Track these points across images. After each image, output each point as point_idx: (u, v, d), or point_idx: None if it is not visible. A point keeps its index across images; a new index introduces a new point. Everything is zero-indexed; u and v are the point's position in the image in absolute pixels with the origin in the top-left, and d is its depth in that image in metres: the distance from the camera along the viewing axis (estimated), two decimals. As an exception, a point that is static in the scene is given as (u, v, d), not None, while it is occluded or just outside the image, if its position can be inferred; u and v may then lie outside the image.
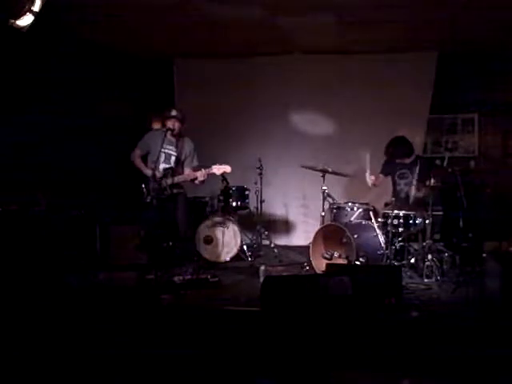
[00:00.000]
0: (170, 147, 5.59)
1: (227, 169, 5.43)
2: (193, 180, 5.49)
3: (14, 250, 4.73)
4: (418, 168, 5.46)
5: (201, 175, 5.38)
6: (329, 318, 3.42)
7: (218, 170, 5.41)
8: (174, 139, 5.61)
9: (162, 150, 5.42)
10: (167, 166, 5.56)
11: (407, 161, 5.75)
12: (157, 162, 5.35)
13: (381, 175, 5.97)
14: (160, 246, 5.54)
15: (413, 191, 5.54)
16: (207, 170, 5.42)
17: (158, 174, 5.41)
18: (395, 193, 5.81)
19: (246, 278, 5.28)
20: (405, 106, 6.93)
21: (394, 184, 5.86)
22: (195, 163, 5.66)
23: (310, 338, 3.31)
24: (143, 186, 5.47)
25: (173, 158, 5.59)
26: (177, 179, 5.46)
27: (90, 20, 5.75)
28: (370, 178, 5.77)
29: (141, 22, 5.87)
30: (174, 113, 5.54)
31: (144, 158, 5.70)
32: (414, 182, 5.49)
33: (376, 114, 7.00)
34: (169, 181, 5.42)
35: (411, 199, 5.54)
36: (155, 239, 5.41)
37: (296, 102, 7.27)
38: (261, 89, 7.28)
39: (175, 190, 5.53)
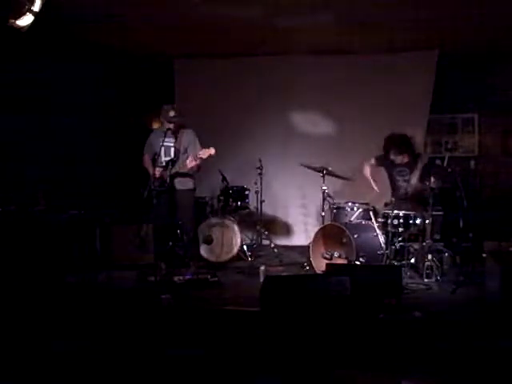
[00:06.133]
0: (168, 139, 5.56)
1: (212, 151, 5.30)
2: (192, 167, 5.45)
3: (14, 250, 4.73)
4: (416, 166, 5.49)
5: (190, 160, 5.34)
6: (328, 318, 3.42)
7: (203, 154, 5.29)
8: (173, 134, 5.60)
9: (160, 144, 5.43)
10: (167, 158, 5.55)
11: (405, 160, 5.74)
12: (158, 157, 5.41)
13: (373, 161, 5.98)
14: (162, 245, 5.54)
15: (411, 188, 5.58)
16: (196, 155, 5.35)
17: (160, 169, 5.41)
18: (394, 189, 5.81)
19: (246, 278, 5.28)
20: (405, 105, 6.94)
21: (393, 181, 5.85)
22: (199, 150, 5.57)
23: (310, 338, 3.32)
24: (149, 182, 5.45)
25: (172, 150, 5.58)
26: (175, 169, 5.44)
27: (90, 20, 5.75)
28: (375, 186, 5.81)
29: (141, 22, 5.87)
30: (172, 113, 5.53)
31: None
32: (415, 177, 5.52)
33: (376, 113, 7.00)
34: (168, 172, 5.40)
35: (410, 190, 5.54)
36: (161, 235, 5.42)
37: (296, 102, 7.27)
38: (261, 89, 7.28)
39: (180, 186, 5.52)
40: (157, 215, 5.42)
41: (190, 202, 5.68)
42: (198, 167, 5.49)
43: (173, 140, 5.57)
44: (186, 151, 5.58)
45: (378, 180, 5.97)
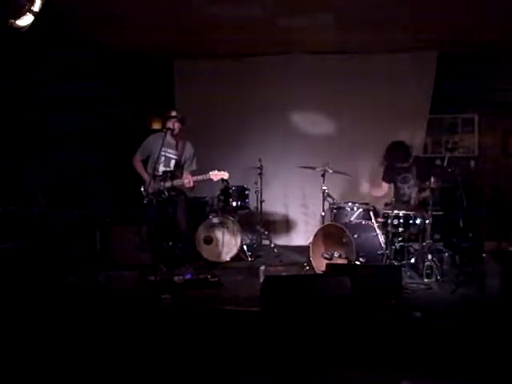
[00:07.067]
0: (171, 151, 5.59)
1: (225, 175, 5.42)
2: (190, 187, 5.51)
3: (14, 249, 4.73)
4: (415, 169, 5.50)
5: (189, 182, 5.39)
6: (328, 318, 3.42)
7: (215, 176, 5.40)
8: (174, 141, 5.60)
9: (162, 152, 5.43)
10: (167, 169, 5.56)
11: (406, 164, 5.76)
12: (156, 164, 5.36)
13: (384, 183, 5.95)
14: (161, 246, 5.55)
15: (414, 194, 5.58)
16: (203, 176, 5.42)
17: (157, 177, 5.41)
18: (398, 196, 5.80)
19: (246, 278, 5.28)
20: (405, 105, 6.93)
21: (397, 188, 5.85)
22: (194, 167, 5.67)
23: (310, 338, 3.32)
24: (142, 188, 5.48)
25: (172, 162, 5.60)
26: (175, 183, 5.46)
27: (91, 20, 5.75)
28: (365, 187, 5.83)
29: (141, 21, 5.87)
30: (173, 113, 5.55)
31: (146, 161, 5.71)
32: (416, 184, 5.52)
33: (376, 114, 6.99)
34: (167, 184, 5.42)
35: (413, 201, 5.56)
36: (157, 237, 5.43)
37: (296, 102, 7.27)
38: (261, 89, 7.28)
39: (173, 193, 5.54)
40: (155, 217, 5.43)
41: (184, 203, 5.69)
42: (193, 187, 5.53)
43: (175, 152, 5.59)
44: (182, 166, 5.61)
45: (378, 184, 5.98)
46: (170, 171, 5.51)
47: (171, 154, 5.60)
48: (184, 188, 5.55)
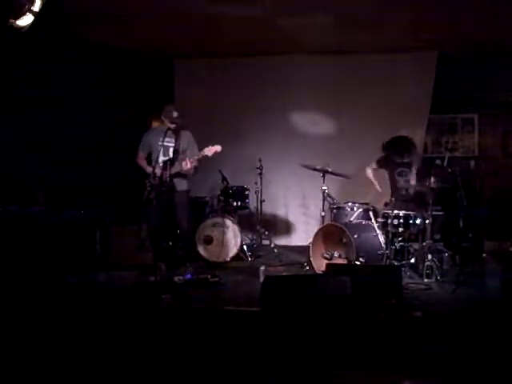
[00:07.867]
0: (168, 139, 5.56)
1: (218, 148, 5.35)
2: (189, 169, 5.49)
3: (14, 250, 4.73)
4: (417, 166, 5.51)
5: (186, 163, 5.37)
6: (329, 318, 3.42)
7: (209, 151, 5.34)
8: (172, 132, 5.61)
9: (160, 143, 5.42)
10: (166, 158, 5.54)
11: (406, 159, 5.76)
12: (157, 156, 5.36)
13: (374, 166, 6.00)
14: (161, 245, 5.55)
15: (412, 188, 5.59)
16: (198, 155, 5.38)
17: (158, 169, 5.40)
18: (395, 190, 5.81)
19: (246, 278, 5.28)
20: (405, 105, 6.94)
21: (394, 181, 5.86)
22: (196, 153, 5.62)
23: (310, 337, 3.32)
24: (147, 181, 5.45)
25: (171, 150, 5.58)
26: (173, 170, 5.44)
27: (91, 20, 5.75)
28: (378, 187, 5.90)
29: (141, 21, 5.86)
30: (175, 114, 5.53)
31: (148, 159, 5.70)
32: (414, 177, 5.53)
33: (376, 113, 7.00)
34: (168, 172, 5.41)
35: (412, 191, 5.56)
36: (157, 236, 5.42)
37: (296, 102, 7.27)
38: (261, 89, 7.28)
39: (179, 188, 5.52)
40: (156, 216, 5.41)
41: (186, 202, 5.69)
42: (196, 169, 5.51)
43: (172, 140, 5.58)
44: (184, 153, 5.59)
45: (379, 180, 6.00)
46: (169, 159, 5.49)
47: (169, 142, 5.57)
48: (184, 172, 5.51)
